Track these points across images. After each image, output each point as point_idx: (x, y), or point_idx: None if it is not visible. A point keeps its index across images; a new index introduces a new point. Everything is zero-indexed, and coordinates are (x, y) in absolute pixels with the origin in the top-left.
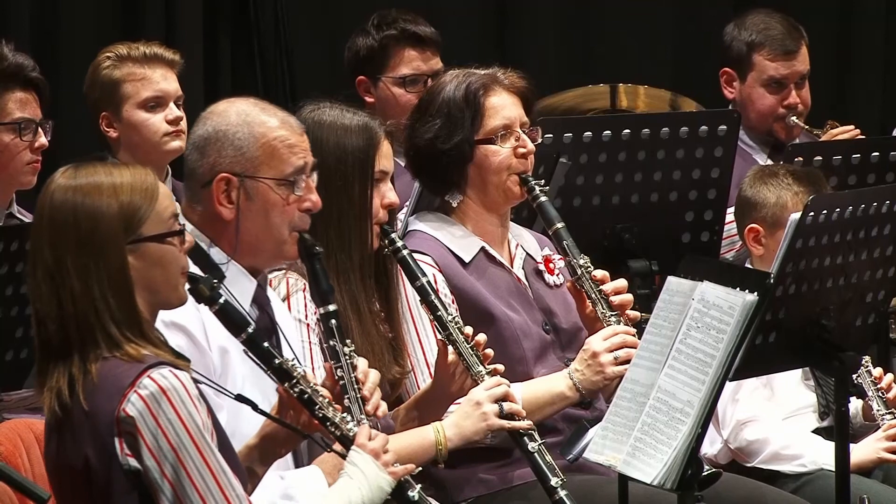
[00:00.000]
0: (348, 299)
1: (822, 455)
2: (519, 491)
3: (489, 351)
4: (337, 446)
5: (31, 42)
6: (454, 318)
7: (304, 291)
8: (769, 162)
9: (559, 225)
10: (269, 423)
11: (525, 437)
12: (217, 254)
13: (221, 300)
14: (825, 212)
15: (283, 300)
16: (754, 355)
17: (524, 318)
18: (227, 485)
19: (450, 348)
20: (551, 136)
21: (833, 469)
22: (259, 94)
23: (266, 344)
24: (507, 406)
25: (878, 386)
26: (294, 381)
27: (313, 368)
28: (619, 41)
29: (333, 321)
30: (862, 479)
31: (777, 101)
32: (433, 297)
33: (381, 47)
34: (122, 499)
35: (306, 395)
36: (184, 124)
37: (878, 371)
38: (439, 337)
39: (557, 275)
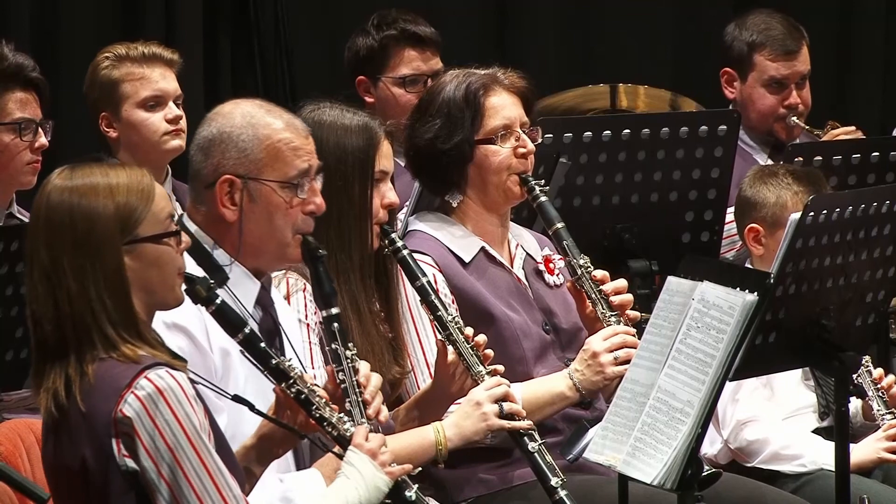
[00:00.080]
0: (348, 299)
1: (822, 455)
2: (519, 491)
3: (489, 351)
4: (336, 447)
5: (31, 42)
6: (454, 318)
7: (304, 291)
8: (769, 162)
9: (559, 225)
10: (266, 424)
11: (525, 437)
12: (221, 255)
13: (218, 301)
14: (825, 212)
15: (283, 300)
16: (754, 355)
17: (524, 318)
18: (225, 485)
19: (449, 348)
20: (551, 136)
21: (833, 469)
22: (259, 94)
23: (263, 344)
24: (507, 406)
25: (879, 386)
26: (291, 381)
27: (313, 368)
28: (619, 41)
29: (336, 324)
30: (862, 479)
31: (778, 101)
32: (433, 297)
33: (381, 47)
34: (119, 499)
35: (303, 396)
36: (183, 123)
37: (878, 372)
38: (439, 337)
39: (557, 275)
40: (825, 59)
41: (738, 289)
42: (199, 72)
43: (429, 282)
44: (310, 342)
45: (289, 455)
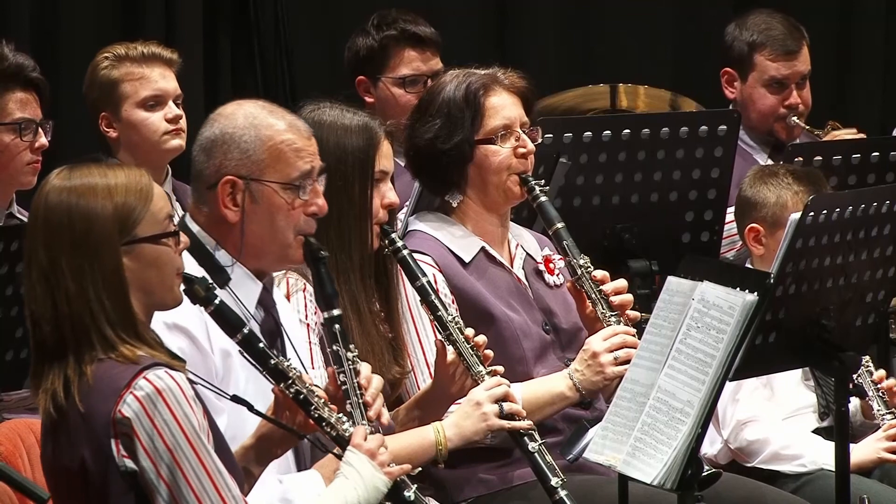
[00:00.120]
0: (348, 299)
1: (821, 455)
2: (519, 491)
3: (489, 352)
4: (336, 448)
5: (31, 42)
6: (454, 318)
7: (304, 291)
8: (769, 162)
9: (559, 225)
10: (265, 424)
11: (525, 437)
12: (223, 256)
13: (216, 301)
14: (825, 212)
15: (285, 300)
16: (754, 355)
17: (524, 318)
18: (223, 485)
19: (449, 348)
20: (551, 136)
21: (833, 469)
22: (259, 94)
23: (262, 344)
24: (507, 406)
25: (879, 386)
26: (289, 381)
27: (313, 368)
28: (619, 41)
29: (337, 326)
30: (862, 479)
31: (778, 101)
32: (433, 297)
33: (381, 47)
34: (118, 500)
35: (302, 396)
36: (183, 123)
37: (880, 373)
38: (439, 337)
39: (557, 275)
40: (825, 59)
41: (738, 289)
42: (199, 72)
43: (429, 282)
44: (310, 342)
45: (290, 456)
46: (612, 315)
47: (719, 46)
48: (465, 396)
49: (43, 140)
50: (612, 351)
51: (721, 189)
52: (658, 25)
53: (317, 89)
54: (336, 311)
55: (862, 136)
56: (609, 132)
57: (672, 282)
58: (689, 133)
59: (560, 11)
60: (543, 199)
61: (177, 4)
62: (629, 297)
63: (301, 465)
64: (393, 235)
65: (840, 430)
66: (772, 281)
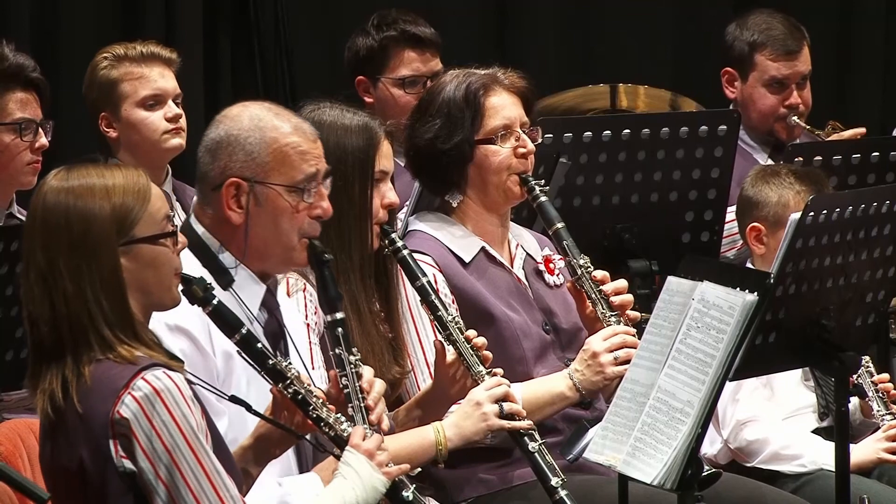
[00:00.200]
0: (348, 299)
1: (821, 455)
2: (519, 491)
3: (488, 353)
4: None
5: (31, 42)
6: (454, 318)
7: (304, 291)
8: (770, 162)
9: (559, 225)
10: (263, 424)
11: (525, 437)
12: (227, 258)
13: (215, 301)
14: (825, 212)
15: (289, 303)
16: (754, 355)
17: (524, 318)
18: (222, 486)
19: (449, 348)
20: (551, 136)
21: (833, 469)
22: (259, 94)
23: (260, 345)
24: (507, 406)
25: (879, 387)
26: (288, 381)
27: (313, 369)
28: (619, 41)
29: (340, 329)
30: (862, 479)
31: (778, 101)
32: (433, 297)
33: (381, 48)
34: (117, 500)
35: (300, 396)
36: (183, 122)
37: (881, 376)
38: (439, 337)
39: (557, 275)
40: (825, 59)
41: (738, 289)
42: (199, 72)
43: (429, 282)
44: (310, 342)
45: (291, 458)
46: (612, 315)
47: (719, 46)
48: (465, 396)
49: (43, 140)
50: (612, 351)
51: (721, 189)
52: (658, 25)
53: (317, 89)
54: (339, 315)
55: (862, 130)
56: (609, 132)
57: (672, 282)
58: (689, 133)
59: (560, 11)
60: (543, 199)
61: (177, 4)
62: (629, 297)
63: (303, 467)
64: (393, 235)
65: (840, 430)
66: (772, 281)
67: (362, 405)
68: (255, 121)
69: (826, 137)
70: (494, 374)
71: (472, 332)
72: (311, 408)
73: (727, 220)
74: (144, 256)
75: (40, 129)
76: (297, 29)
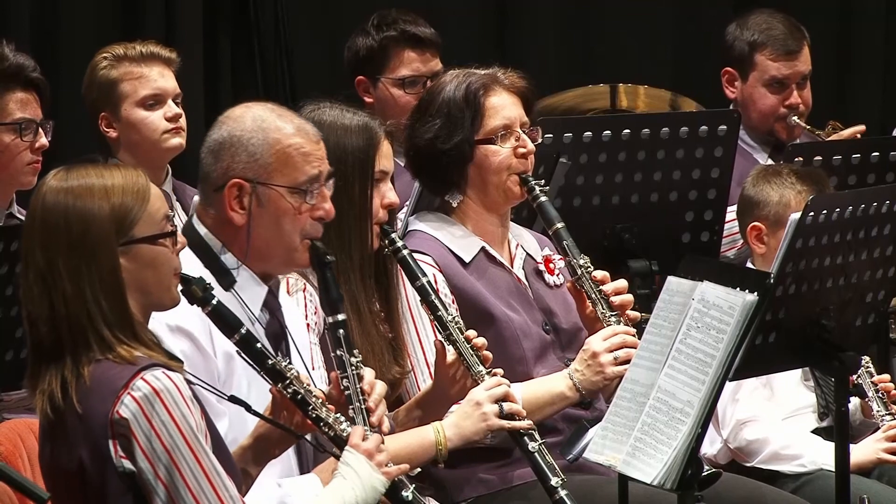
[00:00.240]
0: (348, 299)
1: (821, 455)
2: (519, 491)
3: (488, 353)
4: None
5: (31, 42)
6: (454, 318)
7: (304, 291)
8: (770, 162)
9: (559, 225)
10: (262, 424)
11: (525, 437)
12: (229, 258)
13: (214, 301)
14: (825, 212)
15: (292, 304)
16: (754, 355)
17: (524, 318)
18: (221, 486)
19: (449, 348)
20: (551, 136)
21: (833, 469)
22: (259, 94)
23: (260, 345)
24: (507, 406)
25: (878, 387)
26: (287, 381)
27: (313, 369)
28: (619, 41)
29: (341, 331)
30: (862, 479)
31: (778, 101)
32: (433, 297)
33: (381, 48)
34: (116, 501)
35: (299, 396)
36: (183, 121)
37: (882, 377)
38: (439, 337)
39: (557, 275)
40: (825, 59)
41: (738, 289)
42: (199, 72)
43: (429, 282)
44: (309, 342)
45: (292, 459)
46: (612, 315)
47: (719, 46)
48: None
49: (43, 140)
50: (611, 351)
51: (721, 189)
52: (658, 25)
53: (317, 89)
54: (341, 316)
55: (862, 128)
56: (609, 132)
57: (672, 282)
58: (689, 133)
59: (560, 11)
60: (543, 199)
61: (177, 4)
62: (629, 297)
63: (304, 468)
64: (393, 235)
65: (840, 430)
66: (772, 281)
67: (363, 407)
68: (258, 122)
69: (826, 137)
70: (494, 374)
71: (472, 333)
72: (311, 408)
73: (727, 219)
74: (144, 256)
75: (40, 129)
76: (297, 29)
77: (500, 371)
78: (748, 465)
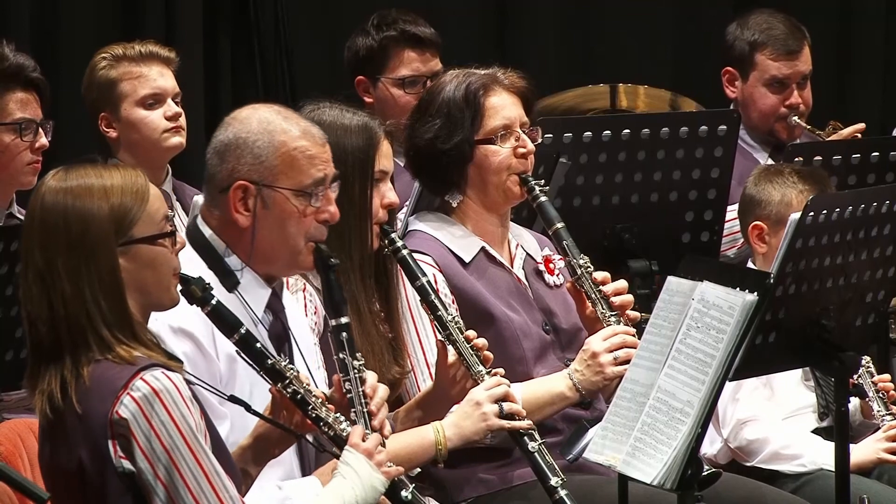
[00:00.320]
0: (348, 299)
1: (821, 455)
2: (519, 491)
3: (489, 354)
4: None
5: (31, 42)
6: (454, 318)
7: (303, 291)
8: (770, 161)
9: (559, 225)
10: (262, 424)
11: (525, 437)
12: (233, 260)
13: (213, 301)
14: (825, 212)
15: (296, 306)
16: (754, 355)
17: (524, 318)
18: (221, 486)
19: (449, 349)
20: (551, 136)
21: (833, 469)
22: (259, 93)
23: (259, 345)
24: (507, 406)
25: (878, 387)
26: (287, 381)
27: (315, 369)
28: (619, 41)
29: (344, 334)
30: (862, 479)
31: (779, 100)
32: (433, 297)
33: (381, 48)
34: (116, 501)
35: (299, 396)
36: (183, 121)
37: (882, 377)
38: (439, 337)
39: (557, 275)
40: (825, 59)
41: (737, 289)
42: (199, 72)
43: (429, 282)
44: (312, 343)
45: (294, 461)
46: (611, 315)
47: (720, 46)
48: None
49: (43, 140)
50: (611, 351)
51: (721, 189)
52: (658, 25)
53: (317, 89)
54: (344, 320)
55: (862, 126)
56: (609, 132)
57: (672, 282)
58: (689, 133)
59: (560, 11)
60: (543, 199)
61: (177, 4)
62: (630, 297)
63: (305, 470)
64: (393, 235)
65: (840, 430)
66: (772, 281)
67: (365, 410)
68: (263, 124)
69: (826, 137)
70: (495, 374)
71: (471, 333)
72: (311, 407)
73: (727, 218)
74: (143, 257)
75: (40, 129)
76: (297, 29)
77: (500, 371)
78: (748, 464)
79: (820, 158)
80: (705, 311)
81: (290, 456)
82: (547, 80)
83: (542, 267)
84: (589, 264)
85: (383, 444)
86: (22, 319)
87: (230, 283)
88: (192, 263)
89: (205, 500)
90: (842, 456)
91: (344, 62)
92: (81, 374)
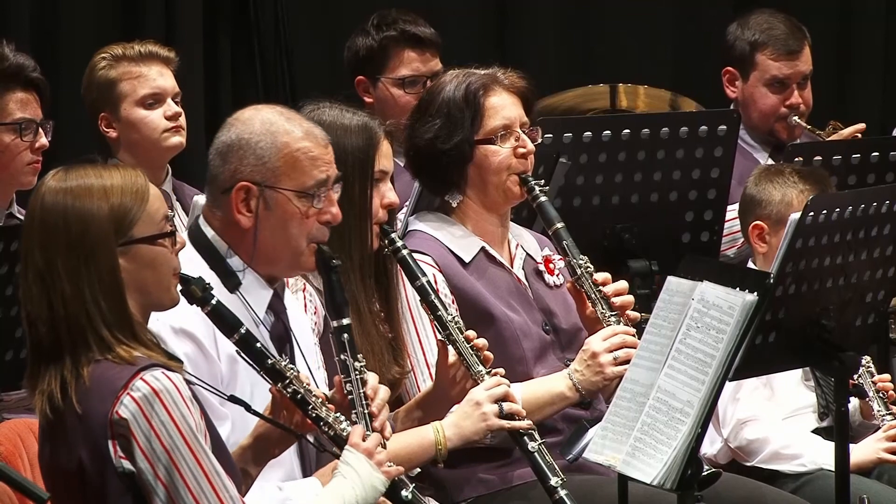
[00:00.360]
0: (348, 299)
1: (821, 455)
2: (519, 491)
3: (489, 354)
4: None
5: (31, 42)
6: (454, 318)
7: (303, 291)
8: (770, 161)
9: (559, 225)
10: (262, 423)
11: (525, 437)
12: (235, 261)
13: (213, 301)
14: (825, 212)
15: (298, 308)
16: (754, 355)
17: (524, 318)
18: (221, 486)
19: (449, 349)
20: (551, 136)
21: (833, 469)
22: (259, 94)
23: (259, 344)
24: (506, 406)
25: (878, 387)
26: (287, 381)
27: (316, 369)
28: (619, 41)
29: (346, 335)
30: (862, 479)
31: (779, 100)
32: (433, 297)
33: (381, 48)
34: (116, 501)
35: (299, 395)
36: (182, 120)
37: (882, 376)
38: (439, 337)
39: (557, 275)
40: (825, 59)
41: (737, 289)
42: (199, 72)
43: (429, 282)
44: (313, 343)
45: (295, 462)
46: (611, 315)
47: (720, 46)
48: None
49: (43, 140)
50: (611, 351)
51: (721, 189)
52: (658, 25)
53: (317, 89)
54: (346, 321)
55: (862, 126)
56: (609, 132)
57: (672, 282)
58: (689, 133)
59: (560, 11)
60: (543, 199)
61: (177, 4)
62: (630, 298)
63: (306, 471)
64: (393, 235)
65: (840, 430)
66: (771, 281)
67: (366, 412)
68: (266, 125)
69: (827, 137)
70: (495, 374)
71: (471, 333)
72: (311, 407)
73: (727, 218)
74: (143, 257)
75: (40, 129)
76: (297, 29)
77: (501, 371)
78: (748, 464)
79: (820, 158)
80: (705, 311)
81: (291, 457)
82: (547, 80)
83: (542, 267)
84: (589, 264)
85: (384, 445)
86: (22, 319)
87: (232, 283)
88: (193, 264)
89: (205, 500)
90: (842, 456)
91: (344, 62)
92: (81, 374)
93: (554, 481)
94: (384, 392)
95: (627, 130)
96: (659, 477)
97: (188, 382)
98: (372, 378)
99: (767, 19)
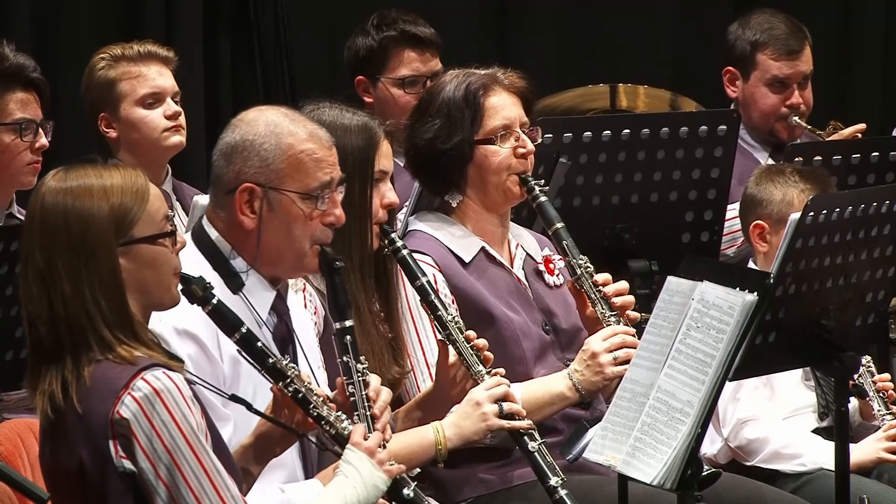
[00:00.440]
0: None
1: (821, 455)
2: (519, 491)
3: (489, 354)
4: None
5: (31, 42)
6: (454, 317)
7: (303, 291)
8: (770, 161)
9: (559, 225)
10: (264, 423)
11: (525, 437)
12: (238, 262)
13: (214, 300)
14: (825, 212)
15: (300, 309)
16: (754, 355)
17: (524, 318)
18: (222, 485)
19: (450, 349)
20: (551, 136)
21: (833, 469)
22: (259, 94)
23: (260, 344)
24: (506, 406)
25: (878, 386)
26: (288, 380)
27: (317, 368)
28: (619, 41)
29: (348, 337)
30: (862, 479)
31: (780, 100)
32: (433, 296)
33: (381, 48)
34: (117, 501)
35: (300, 394)
36: (182, 119)
37: (882, 376)
38: (439, 337)
39: (557, 275)
40: (825, 59)
41: (737, 289)
42: (199, 72)
43: (429, 282)
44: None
45: (297, 463)
46: (611, 315)
47: (720, 46)
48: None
49: (43, 140)
50: (611, 351)
51: (721, 189)
52: (658, 25)
53: (317, 89)
54: (348, 323)
55: (862, 126)
56: (609, 132)
57: (672, 282)
58: (689, 133)
59: (560, 11)
60: (543, 199)
61: (177, 4)
62: (630, 298)
63: (308, 472)
64: (393, 235)
65: (840, 430)
66: (771, 281)
67: (368, 413)
68: (270, 126)
69: (827, 137)
70: (495, 374)
71: (471, 333)
72: (312, 406)
73: (728, 217)
74: (143, 256)
75: (40, 130)
76: (297, 29)
77: (501, 371)
78: (748, 464)
79: (820, 158)
80: (705, 311)
81: (292, 457)
82: (547, 80)
83: (542, 267)
84: (589, 264)
85: (384, 445)
86: (22, 319)
87: (235, 284)
88: (197, 265)
89: (206, 500)
90: (842, 456)
91: (344, 62)
92: (82, 374)
93: (554, 481)
94: (386, 394)
95: (627, 130)
96: (659, 477)
97: (190, 382)
98: (374, 380)
99: (768, 19)
